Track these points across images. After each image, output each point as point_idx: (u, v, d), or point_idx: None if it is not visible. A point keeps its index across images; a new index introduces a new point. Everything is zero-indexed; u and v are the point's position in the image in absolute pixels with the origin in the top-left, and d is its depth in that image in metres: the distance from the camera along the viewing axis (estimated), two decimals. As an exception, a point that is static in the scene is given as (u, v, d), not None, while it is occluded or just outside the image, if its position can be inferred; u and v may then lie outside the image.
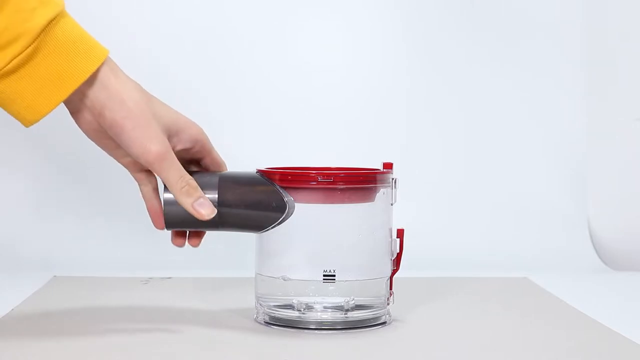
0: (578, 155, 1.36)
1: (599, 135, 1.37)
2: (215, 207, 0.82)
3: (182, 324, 0.88)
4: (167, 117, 0.80)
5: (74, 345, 0.80)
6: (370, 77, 1.35)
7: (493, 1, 1.35)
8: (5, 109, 0.76)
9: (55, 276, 1.13)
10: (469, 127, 1.35)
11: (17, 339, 0.81)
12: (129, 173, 0.84)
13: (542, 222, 1.33)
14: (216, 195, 0.83)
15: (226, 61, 1.31)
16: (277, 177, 0.85)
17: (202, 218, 0.81)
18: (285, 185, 0.84)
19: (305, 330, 0.85)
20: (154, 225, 0.85)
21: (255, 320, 0.88)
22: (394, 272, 0.88)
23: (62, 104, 0.77)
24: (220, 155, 0.87)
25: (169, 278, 1.13)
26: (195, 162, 0.86)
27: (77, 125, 0.80)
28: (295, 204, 0.84)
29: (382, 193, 0.86)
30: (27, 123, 0.76)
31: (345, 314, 0.85)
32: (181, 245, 0.86)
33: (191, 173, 0.83)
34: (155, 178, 0.85)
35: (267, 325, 0.87)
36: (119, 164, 0.84)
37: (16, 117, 0.76)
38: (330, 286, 0.84)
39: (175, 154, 0.80)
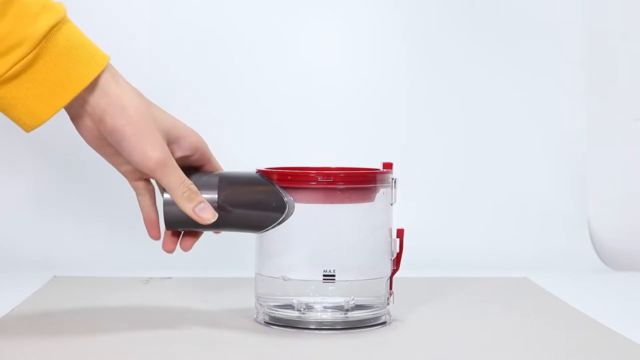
0: (578, 155, 1.36)
1: (599, 135, 1.37)
2: (214, 208, 0.83)
3: (182, 324, 0.88)
4: (167, 124, 0.80)
5: (74, 345, 0.80)
6: (370, 77, 1.35)
7: (493, 1, 1.35)
8: (6, 114, 0.76)
9: (55, 276, 1.13)
10: (469, 127, 1.35)
11: (17, 339, 0.81)
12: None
13: (542, 222, 1.33)
14: (216, 196, 0.83)
15: (226, 61, 1.31)
16: (276, 177, 0.85)
17: (203, 222, 0.82)
18: (285, 185, 0.84)
19: (305, 330, 0.85)
20: (149, 235, 0.85)
21: (255, 320, 0.88)
22: (394, 272, 0.88)
23: (63, 110, 0.77)
24: (221, 156, 0.87)
25: (169, 278, 1.13)
26: (194, 170, 0.86)
27: (77, 132, 0.81)
28: (295, 204, 0.84)
29: (382, 193, 0.86)
30: (28, 128, 0.77)
31: (345, 314, 0.85)
32: (171, 251, 0.86)
33: (190, 173, 0.83)
34: (153, 188, 0.85)
35: (267, 325, 0.87)
36: (119, 165, 0.84)
37: (17, 123, 0.77)
38: (330, 286, 0.84)
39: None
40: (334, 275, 0.84)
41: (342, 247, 0.84)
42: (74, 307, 0.96)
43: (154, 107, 0.80)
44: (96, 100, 0.77)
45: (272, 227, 0.84)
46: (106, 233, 1.26)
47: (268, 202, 0.84)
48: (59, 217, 1.27)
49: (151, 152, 0.78)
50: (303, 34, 1.34)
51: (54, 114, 0.76)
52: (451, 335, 0.86)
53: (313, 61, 1.34)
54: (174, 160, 0.80)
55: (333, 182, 0.84)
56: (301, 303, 0.85)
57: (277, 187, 0.84)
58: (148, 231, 0.85)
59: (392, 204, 0.87)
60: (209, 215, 0.82)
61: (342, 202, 0.84)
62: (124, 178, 0.85)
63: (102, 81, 0.77)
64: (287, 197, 0.84)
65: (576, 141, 1.36)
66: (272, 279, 0.86)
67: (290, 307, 0.85)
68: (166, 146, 0.80)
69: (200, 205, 0.82)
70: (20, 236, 1.26)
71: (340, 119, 1.33)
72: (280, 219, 0.84)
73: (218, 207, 0.83)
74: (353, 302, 0.85)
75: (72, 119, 0.80)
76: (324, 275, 0.84)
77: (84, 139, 0.81)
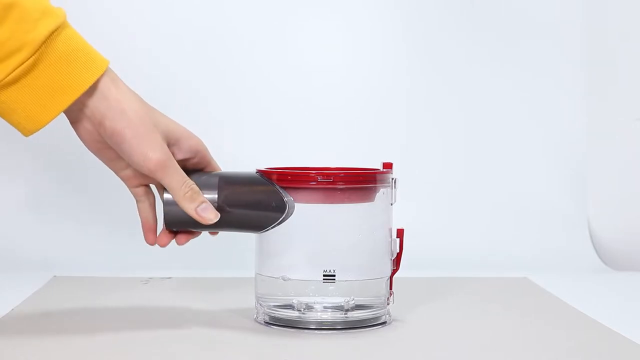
0: (578, 155, 1.36)
1: (599, 135, 1.37)
2: (215, 207, 0.83)
3: (182, 324, 0.88)
4: (166, 127, 0.81)
5: (74, 345, 0.80)
6: (370, 77, 1.35)
7: (493, 1, 1.35)
8: (5, 118, 0.76)
9: (55, 276, 1.13)
10: (469, 127, 1.35)
11: (17, 339, 0.81)
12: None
13: (542, 222, 1.33)
14: (216, 196, 0.83)
15: (226, 61, 1.31)
16: (276, 177, 0.85)
17: (205, 222, 0.82)
18: (285, 185, 0.84)
19: (305, 330, 0.85)
20: (145, 239, 0.85)
21: (255, 320, 0.88)
22: (394, 272, 0.88)
23: (62, 113, 0.78)
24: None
25: (169, 278, 1.13)
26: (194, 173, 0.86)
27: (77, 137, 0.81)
28: (295, 204, 0.84)
29: (382, 193, 0.86)
30: (27, 132, 0.77)
31: (345, 314, 0.85)
32: (164, 245, 0.86)
33: (190, 174, 0.83)
34: (154, 195, 0.85)
35: (267, 325, 0.87)
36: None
37: (16, 127, 0.77)
38: (330, 286, 0.84)
39: None
40: (334, 275, 0.84)
41: (342, 247, 0.84)
42: (74, 307, 0.96)
43: (153, 111, 0.81)
44: (96, 104, 0.78)
45: (272, 227, 0.84)
46: (106, 233, 1.26)
47: (268, 202, 0.84)
48: (59, 217, 1.27)
49: (151, 153, 0.78)
50: (303, 34, 1.34)
51: (53, 118, 0.76)
52: (451, 335, 0.86)
53: (313, 61, 1.34)
54: (175, 161, 0.80)
55: (333, 182, 0.84)
56: (301, 303, 0.85)
57: (277, 187, 0.84)
58: (145, 236, 0.85)
59: (392, 204, 0.87)
60: (211, 215, 0.82)
61: (342, 202, 0.84)
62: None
63: (102, 85, 0.77)
64: (287, 197, 0.84)
65: (576, 141, 1.36)
66: (272, 279, 0.85)
67: (290, 307, 0.85)
68: (166, 147, 0.80)
69: (203, 206, 0.82)
70: (20, 236, 1.26)
71: (340, 119, 1.33)
72: (280, 219, 0.84)
73: (218, 207, 0.83)
74: (353, 302, 0.85)
75: (71, 123, 0.80)
76: (324, 275, 0.84)
77: (84, 143, 0.81)
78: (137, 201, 0.85)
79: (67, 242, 1.25)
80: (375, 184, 0.86)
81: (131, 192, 0.85)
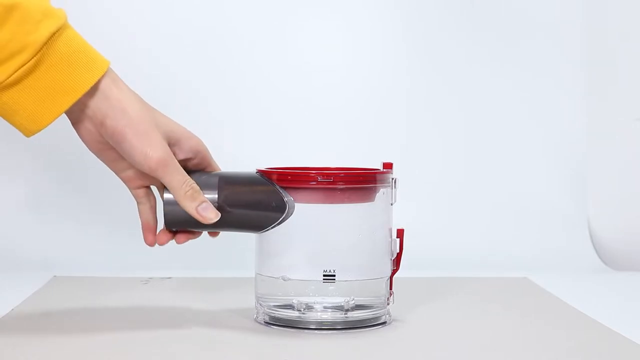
0: (578, 155, 1.36)
1: (599, 135, 1.37)
2: (215, 207, 0.83)
3: (182, 324, 0.88)
4: (167, 127, 0.81)
5: (74, 345, 0.80)
6: (370, 77, 1.35)
7: (493, 1, 1.35)
8: (7, 119, 0.77)
9: (55, 276, 1.13)
10: (469, 127, 1.35)
11: (17, 339, 0.81)
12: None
13: (542, 222, 1.33)
14: (216, 196, 0.83)
15: (226, 61, 1.31)
16: (276, 177, 0.85)
17: (206, 222, 0.82)
18: (285, 185, 0.84)
19: (305, 330, 0.85)
20: (145, 240, 0.85)
21: (255, 320, 0.88)
22: (394, 272, 0.88)
23: (64, 114, 0.78)
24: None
25: (169, 278, 1.13)
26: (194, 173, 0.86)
27: (79, 137, 0.81)
28: (295, 204, 0.84)
29: (382, 193, 0.86)
30: (29, 133, 0.77)
31: (345, 314, 0.85)
32: (163, 244, 0.86)
33: (190, 173, 0.83)
34: (154, 197, 0.85)
35: (267, 325, 0.87)
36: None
37: (18, 128, 0.77)
38: (330, 286, 0.84)
39: None
40: (334, 275, 0.84)
41: (342, 247, 0.84)
42: (74, 307, 0.96)
43: (154, 111, 0.81)
44: (97, 104, 0.78)
45: (272, 227, 0.84)
46: (106, 233, 1.26)
47: (268, 202, 0.84)
48: (59, 217, 1.27)
49: (152, 152, 0.78)
50: (303, 34, 1.34)
51: (54, 119, 0.77)
52: (451, 335, 0.86)
53: (313, 61, 1.34)
54: (176, 160, 0.80)
55: (333, 182, 0.84)
56: (301, 303, 0.85)
57: (277, 187, 0.84)
58: (144, 236, 0.85)
59: (392, 204, 0.87)
60: (212, 214, 0.82)
61: (342, 202, 0.84)
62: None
63: (103, 85, 0.78)
64: (287, 197, 0.84)
65: (576, 141, 1.36)
66: (272, 279, 0.85)
67: (290, 307, 0.85)
68: (167, 146, 0.80)
69: (203, 205, 0.82)
70: (20, 236, 1.26)
71: (340, 119, 1.33)
72: (280, 219, 0.84)
73: (218, 207, 0.83)
74: (353, 302, 0.85)
75: (73, 123, 0.80)
76: (324, 275, 0.84)
77: (85, 144, 0.81)
78: (138, 203, 0.85)
79: (67, 242, 1.25)
80: (375, 184, 0.86)
81: (132, 193, 0.85)
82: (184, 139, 0.83)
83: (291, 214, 0.84)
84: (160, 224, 0.85)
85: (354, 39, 1.35)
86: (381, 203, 0.86)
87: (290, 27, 1.33)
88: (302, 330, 0.85)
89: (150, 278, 1.12)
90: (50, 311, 0.94)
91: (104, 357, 0.77)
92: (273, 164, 0.89)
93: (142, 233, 0.85)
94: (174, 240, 0.86)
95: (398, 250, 0.88)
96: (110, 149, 0.81)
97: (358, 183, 0.85)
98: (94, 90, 0.77)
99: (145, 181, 0.84)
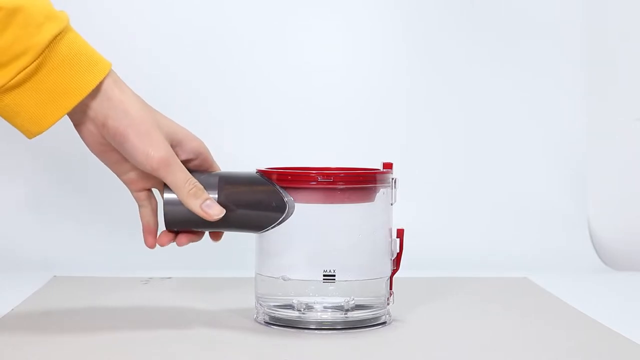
0: (578, 155, 1.36)
1: (599, 135, 1.37)
2: (219, 207, 0.83)
3: (182, 324, 0.88)
4: (169, 128, 0.81)
5: (73, 345, 0.80)
6: (370, 77, 1.35)
7: (493, 1, 1.35)
8: (9, 121, 0.77)
9: (55, 276, 1.13)
10: (469, 127, 1.35)
11: (17, 339, 0.81)
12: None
13: (542, 222, 1.33)
14: (216, 196, 0.83)
15: (226, 61, 1.31)
16: (276, 177, 0.85)
17: (210, 219, 0.82)
18: (285, 185, 0.84)
19: (305, 330, 0.85)
20: (145, 242, 0.85)
21: (255, 320, 0.88)
22: (394, 272, 0.88)
23: (66, 116, 0.78)
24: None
25: (169, 278, 1.13)
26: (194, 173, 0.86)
27: (81, 140, 0.81)
28: (295, 204, 0.84)
29: (382, 193, 0.86)
30: (31, 135, 0.78)
31: (345, 314, 0.85)
32: (164, 245, 0.86)
33: (190, 172, 0.83)
34: (156, 200, 0.85)
35: (267, 325, 0.87)
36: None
37: (20, 130, 0.77)
38: (330, 286, 0.84)
39: None
40: (334, 275, 0.84)
41: (342, 247, 0.84)
42: (74, 307, 0.96)
43: (156, 112, 0.81)
44: (99, 106, 0.78)
45: (272, 227, 0.84)
46: (106, 233, 1.26)
47: (268, 202, 0.84)
48: (59, 217, 1.27)
49: (154, 151, 0.78)
50: (303, 34, 1.34)
51: (56, 121, 0.77)
52: (451, 335, 0.86)
53: (313, 61, 1.34)
54: (178, 159, 0.81)
55: (333, 182, 0.84)
56: (301, 303, 0.85)
57: (277, 187, 0.84)
58: (145, 238, 0.85)
59: (392, 204, 0.87)
60: (216, 211, 0.82)
61: (342, 202, 0.84)
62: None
63: (105, 87, 0.78)
64: (287, 197, 0.84)
65: (576, 141, 1.36)
66: (272, 279, 0.85)
67: (290, 307, 0.85)
68: (169, 146, 0.80)
69: (207, 202, 0.82)
70: (20, 236, 1.26)
71: (340, 119, 1.33)
72: (280, 219, 0.84)
73: (218, 207, 0.83)
74: (353, 302, 0.85)
75: (75, 125, 0.80)
76: (324, 275, 0.84)
77: (88, 146, 0.81)
78: (139, 206, 0.85)
79: (67, 242, 1.25)
80: (376, 184, 0.86)
81: (134, 196, 0.85)
82: (186, 140, 0.83)
83: (291, 214, 0.84)
84: (161, 226, 0.85)
85: (354, 39, 1.35)
86: (381, 203, 0.86)
87: (290, 27, 1.33)
88: (302, 330, 0.85)
89: (150, 278, 1.12)
90: (50, 311, 0.94)
91: (104, 357, 0.77)
92: (273, 164, 0.89)
93: (142, 235, 0.85)
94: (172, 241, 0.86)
95: (398, 250, 0.88)
96: (112, 151, 0.81)
97: (358, 183, 0.85)
98: (96, 91, 0.78)
99: (147, 184, 0.84)
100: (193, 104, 1.30)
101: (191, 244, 0.87)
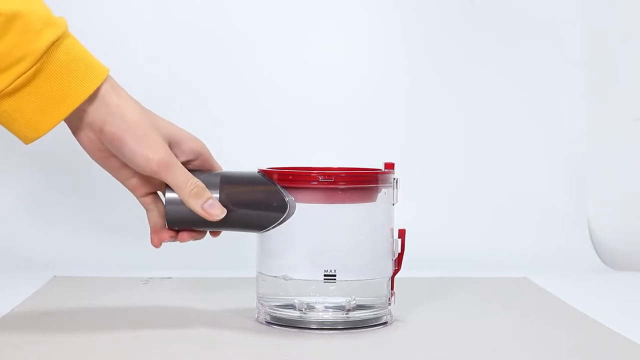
0: (578, 155, 1.36)
1: (599, 135, 1.37)
2: (221, 207, 0.83)
3: (182, 324, 0.88)
4: (167, 130, 0.81)
5: (74, 345, 0.80)
6: (370, 77, 1.35)
7: (493, 1, 1.35)
8: (6, 127, 0.77)
9: (55, 276, 1.13)
10: (469, 127, 1.35)
11: (17, 339, 0.81)
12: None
13: (542, 222, 1.33)
14: (217, 195, 0.83)
15: (226, 61, 1.31)
16: (277, 176, 0.85)
17: (212, 219, 0.82)
18: (286, 185, 0.84)
19: (307, 330, 0.85)
20: (151, 241, 0.85)
21: (257, 320, 0.88)
22: (395, 272, 0.88)
23: (64, 123, 0.78)
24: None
25: (169, 278, 1.13)
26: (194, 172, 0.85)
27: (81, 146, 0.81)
28: (297, 204, 0.84)
29: (383, 193, 0.86)
30: (28, 141, 0.78)
31: (346, 314, 0.85)
32: (164, 240, 0.85)
33: (191, 172, 0.83)
34: (162, 202, 0.85)
35: (268, 325, 0.87)
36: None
37: (17, 135, 0.78)
38: (331, 286, 0.84)
39: None
40: (335, 275, 0.84)
41: (343, 247, 0.84)
42: (74, 307, 0.96)
43: (153, 115, 0.81)
44: (96, 111, 0.78)
45: (273, 227, 0.84)
46: (106, 233, 1.26)
47: (269, 202, 0.84)
48: (59, 218, 1.27)
49: (152, 154, 0.78)
50: (303, 34, 1.34)
51: (53, 127, 0.77)
52: (451, 335, 0.86)
53: (313, 61, 1.34)
54: (177, 160, 0.81)
55: (334, 182, 0.84)
56: (302, 303, 0.85)
57: (278, 186, 0.84)
58: (151, 237, 0.85)
59: (393, 204, 0.87)
60: (218, 211, 0.82)
61: (344, 202, 0.84)
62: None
63: (102, 92, 0.78)
64: (288, 197, 0.84)
65: (576, 141, 1.36)
66: (273, 278, 0.85)
67: (291, 306, 0.85)
68: (167, 147, 0.80)
69: (209, 202, 0.82)
70: (20, 236, 1.26)
71: (340, 119, 1.33)
72: (282, 219, 0.84)
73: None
74: (354, 302, 0.85)
75: (73, 132, 0.80)
76: (325, 275, 0.84)
77: (88, 153, 0.82)
78: (146, 210, 0.85)
79: (67, 242, 1.25)
80: (377, 184, 0.86)
81: (140, 202, 0.85)
82: (185, 141, 0.83)
83: (292, 213, 0.84)
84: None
85: (354, 39, 1.35)
86: (383, 203, 0.86)
87: (290, 27, 1.33)
88: (303, 330, 0.85)
89: (150, 278, 1.12)
90: (50, 311, 0.93)
91: (104, 357, 0.77)
92: (273, 164, 0.89)
93: (149, 235, 0.85)
94: (174, 240, 0.86)
95: (399, 251, 0.88)
96: (112, 157, 0.81)
97: (359, 183, 0.85)
98: (93, 97, 0.78)
99: (150, 187, 0.84)
100: (193, 104, 1.30)
101: (191, 242, 0.87)
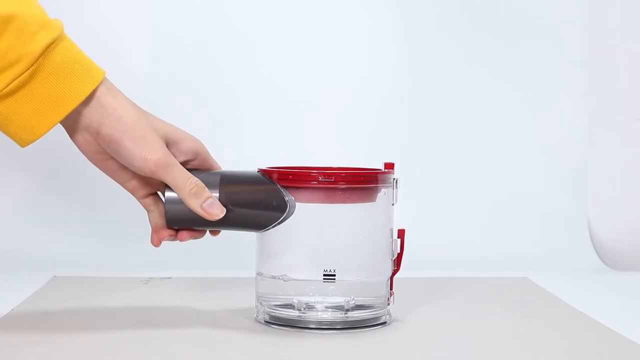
0: (578, 155, 1.36)
1: (599, 135, 1.37)
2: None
3: (182, 324, 0.88)
4: (165, 130, 0.81)
5: (73, 345, 0.80)
6: (370, 77, 1.35)
7: (493, 1, 1.35)
8: (2, 130, 0.77)
9: (55, 276, 1.13)
10: (469, 127, 1.35)
11: (17, 339, 0.81)
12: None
13: (542, 222, 1.33)
14: (217, 194, 0.83)
15: (226, 61, 1.31)
16: (277, 176, 0.85)
17: (211, 218, 0.82)
18: (286, 184, 0.84)
19: (306, 330, 0.85)
20: (152, 240, 0.85)
21: (256, 320, 0.88)
22: (394, 272, 0.88)
23: (60, 125, 0.78)
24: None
25: (169, 278, 1.13)
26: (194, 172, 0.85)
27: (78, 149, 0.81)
28: (296, 204, 0.84)
29: (383, 193, 0.86)
30: (24, 143, 0.78)
31: (345, 313, 0.85)
32: (163, 239, 0.85)
33: (191, 172, 0.83)
34: (162, 203, 0.85)
35: (267, 325, 0.87)
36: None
37: (13, 138, 0.78)
38: (330, 286, 0.84)
39: None
40: (334, 275, 0.84)
41: (343, 247, 0.84)
42: (74, 307, 0.96)
43: (151, 116, 0.81)
44: (93, 113, 0.78)
45: (272, 227, 0.84)
46: (106, 233, 1.26)
47: (269, 201, 0.84)
48: (59, 218, 1.27)
49: (150, 154, 0.78)
50: (303, 34, 1.34)
51: (49, 129, 0.77)
52: (451, 335, 0.86)
53: (313, 61, 1.34)
54: (176, 160, 0.80)
55: (334, 182, 0.84)
56: (301, 302, 0.85)
57: (278, 186, 0.84)
58: (152, 237, 0.85)
59: (393, 204, 0.87)
60: (217, 210, 0.82)
61: (343, 201, 0.84)
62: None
63: (99, 94, 0.78)
64: (288, 197, 0.84)
65: (576, 141, 1.36)
66: (272, 278, 0.85)
67: (290, 306, 0.85)
68: (165, 147, 0.80)
69: (209, 201, 0.82)
70: (20, 236, 1.26)
71: (340, 119, 1.33)
72: (281, 219, 0.84)
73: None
74: (353, 302, 0.85)
75: (70, 135, 0.80)
76: (324, 275, 0.84)
77: (86, 156, 0.81)
78: (147, 211, 0.85)
79: (67, 242, 1.25)
80: (377, 184, 0.86)
81: (140, 203, 0.85)
82: (182, 140, 0.83)
83: (292, 213, 0.84)
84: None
85: (354, 39, 1.35)
86: (382, 203, 0.86)
87: (290, 27, 1.33)
88: (302, 330, 0.85)
89: (150, 278, 1.12)
90: (50, 311, 0.93)
91: (104, 357, 0.77)
92: (273, 164, 0.89)
93: (150, 235, 0.85)
94: (174, 240, 0.86)
95: (399, 251, 0.88)
96: (110, 159, 0.81)
97: (359, 183, 0.85)
98: (89, 99, 0.78)
99: (150, 188, 0.84)
100: (193, 104, 1.30)
101: (191, 242, 0.87)
